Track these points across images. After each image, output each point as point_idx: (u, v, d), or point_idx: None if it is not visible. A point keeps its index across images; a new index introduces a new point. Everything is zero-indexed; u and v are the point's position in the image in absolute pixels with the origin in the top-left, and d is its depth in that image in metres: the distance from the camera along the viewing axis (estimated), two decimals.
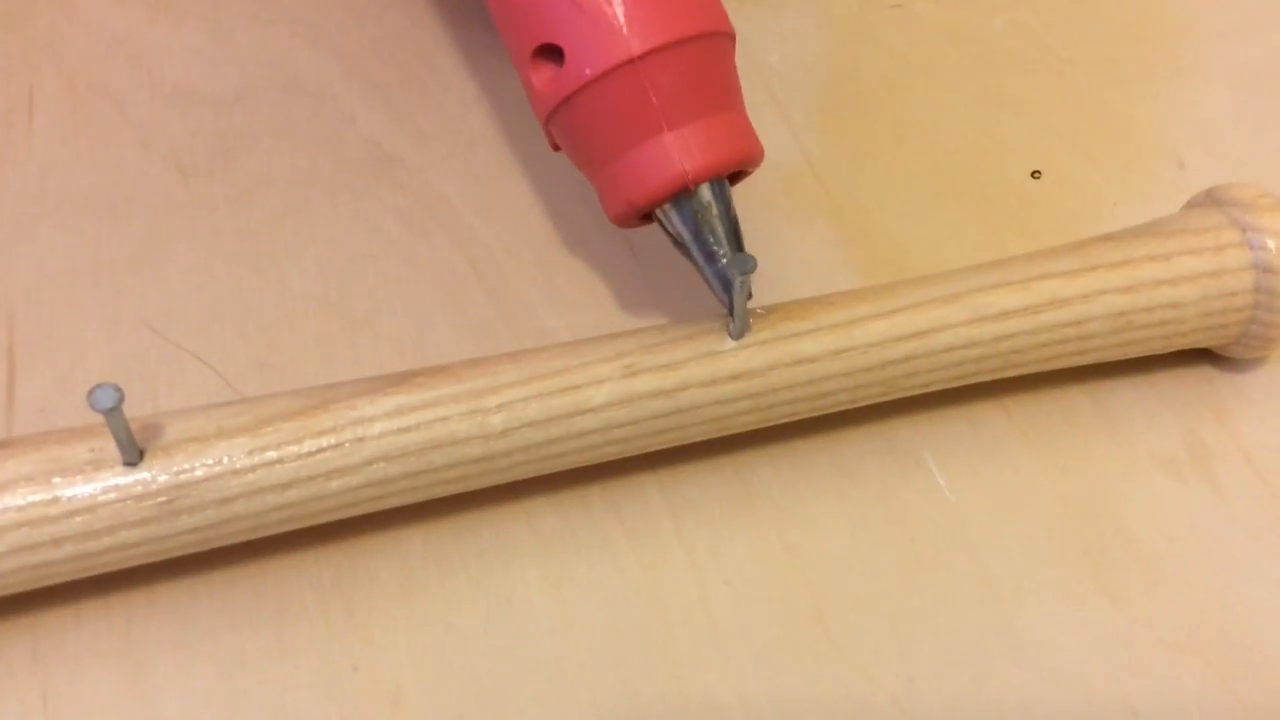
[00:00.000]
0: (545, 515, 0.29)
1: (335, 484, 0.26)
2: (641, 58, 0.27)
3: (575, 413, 0.27)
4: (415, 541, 0.29)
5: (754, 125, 0.29)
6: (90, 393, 0.23)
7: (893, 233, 0.35)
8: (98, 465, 0.25)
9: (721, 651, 0.27)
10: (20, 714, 0.25)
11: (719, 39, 0.29)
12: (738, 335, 0.27)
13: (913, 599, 0.28)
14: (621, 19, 0.27)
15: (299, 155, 0.37)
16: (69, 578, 0.25)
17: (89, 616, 0.27)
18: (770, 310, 0.28)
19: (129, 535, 0.25)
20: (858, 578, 0.28)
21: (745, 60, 0.40)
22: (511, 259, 0.34)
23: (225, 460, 0.25)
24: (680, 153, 0.28)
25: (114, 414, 0.24)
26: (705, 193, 0.28)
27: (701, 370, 0.27)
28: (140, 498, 0.25)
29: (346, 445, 0.26)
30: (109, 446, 0.25)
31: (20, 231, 0.34)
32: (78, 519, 0.25)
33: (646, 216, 0.29)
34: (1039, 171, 0.37)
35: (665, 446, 0.28)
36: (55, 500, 0.25)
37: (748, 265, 0.26)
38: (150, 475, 0.25)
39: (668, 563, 0.28)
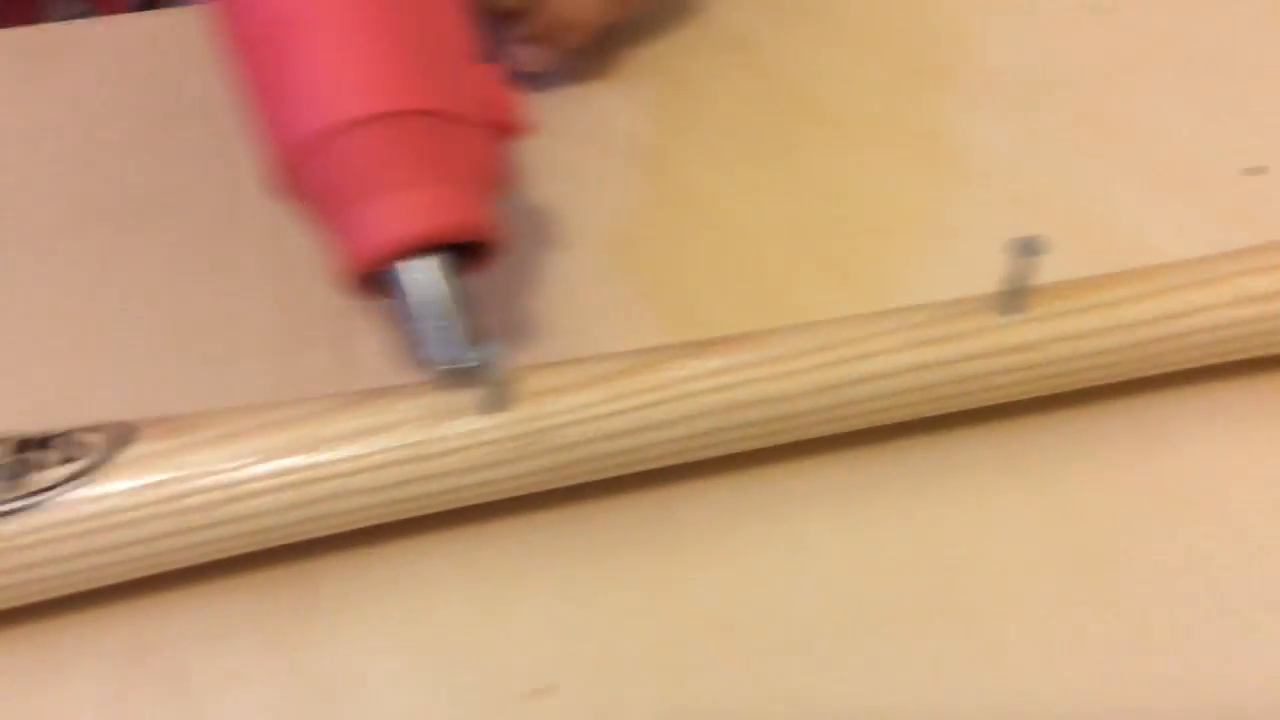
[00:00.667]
0: (829, 471, 0.32)
1: (666, 434, 0.30)
2: (313, 138, 0.28)
3: (866, 379, 0.30)
4: (719, 490, 0.32)
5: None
6: (475, 344, 0.27)
7: (1115, 221, 0.38)
8: (463, 413, 0.29)
9: (1005, 597, 0.30)
10: (393, 626, 0.30)
11: (401, 117, 0.28)
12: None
13: (1182, 551, 0.30)
14: (298, 104, 0.28)
15: (565, 147, 0.41)
16: (442, 508, 0.30)
17: (436, 546, 0.31)
18: (1043, 289, 0.31)
19: (493, 474, 0.29)
20: (1121, 536, 0.31)
21: (965, 60, 0.43)
22: (766, 241, 0.38)
23: (577, 410, 0.29)
24: (366, 228, 0.28)
25: (493, 366, 0.28)
26: (405, 270, 0.28)
27: (981, 343, 0.30)
28: (501, 442, 0.29)
29: (675, 400, 0.30)
30: (469, 397, 0.29)
31: None
32: (454, 457, 0.29)
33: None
34: (1261, 167, 0.39)
35: (940, 413, 0.32)
36: (425, 442, 0.29)
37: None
38: (510, 422, 0.29)
39: (943, 518, 0.31)
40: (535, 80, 0.42)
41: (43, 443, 0.28)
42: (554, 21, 0.40)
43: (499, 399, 0.29)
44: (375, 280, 0.29)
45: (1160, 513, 0.32)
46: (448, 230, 0.29)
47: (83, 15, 0.46)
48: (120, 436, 0.28)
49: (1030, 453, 0.33)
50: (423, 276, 0.29)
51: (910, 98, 0.43)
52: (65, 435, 0.28)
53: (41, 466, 0.27)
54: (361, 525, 0.29)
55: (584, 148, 0.41)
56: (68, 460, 0.27)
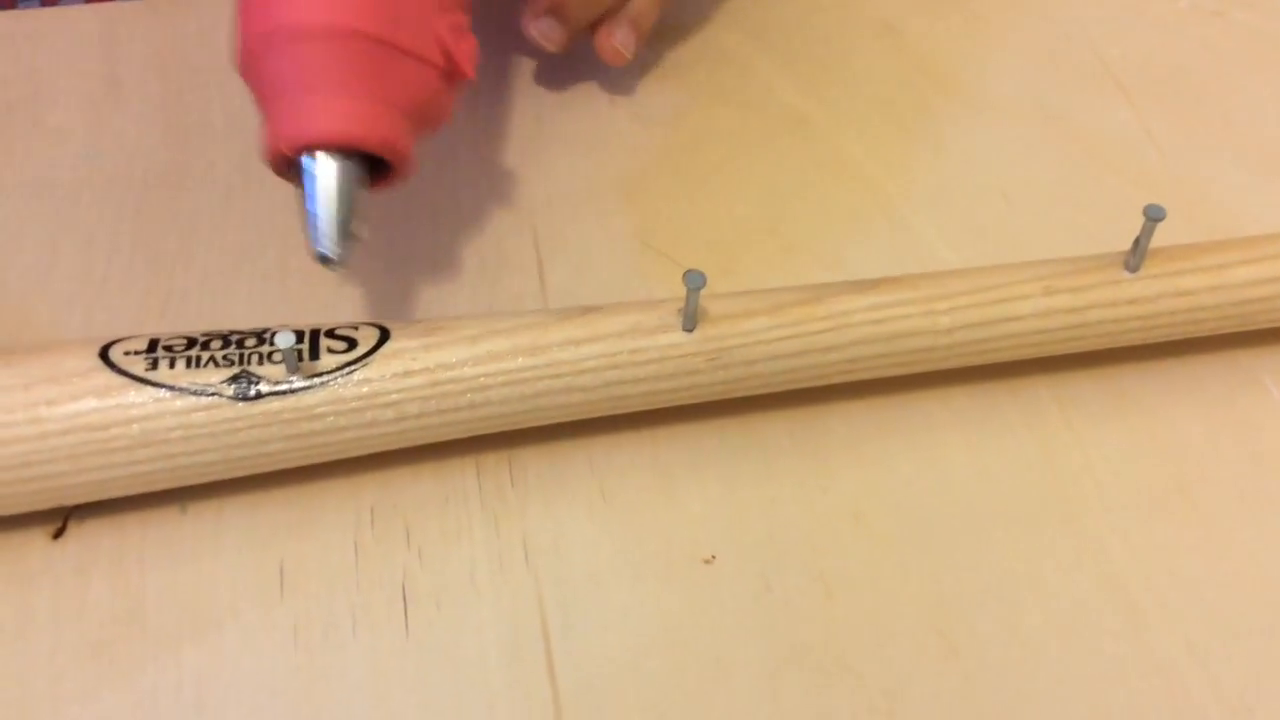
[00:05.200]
0: (958, 399, 0.38)
1: (828, 357, 0.35)
2: (267, 33, 0.33)
3: (1005, 319, 0.35)
4: (860, 409, 0.38)
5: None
6: (686, 274, 0.33)
7: (1226, 201, 0.43)
8: (666, 329, 0.34)
9: (1108, 508, 0.35)
10: (587, 502, 0.36)
11: (345, 34, 0.32)
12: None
13: (1263, 483, 0.36)
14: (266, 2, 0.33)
15: (731, 114, 0.46)
16: (636, 409, 0.35)
17: (625, 442, 0.37)
18: (1160, 251, 0.36)
19: (681, 382, 0.35)
20: (1211, 466, 0.36)
21: (1089, 52, 0.48)
22: (907, 202, 0.43)
23: (757, 332, 0.35)
24: (285, 119, 0.33)
25: (695, 293, 0.33)
26: (309, 162, 0.33)
27: (1105, 294, 0.35)
28: (694, 355, 0.34)
29: (837, 329, 0.35)
30: (670, 317, 0.35)
31: (532, 160, 0.45)
32: (651, 366, 0.34)
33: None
34: None
35: (1067, 352, 0.37)
36: (636, 350, 0.34)
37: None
38: (702, 339, 0.34)
39: (1058, 441, 0.37)
40: (552, 59, 0.46)
41: (321, 336, 0.34)
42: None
43: (693, 319, 0.34)
44: (292, 166, 0.34)
45: (1247, 447, 0.36)
46: (353, 139, 0.33)
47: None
48: (381, 334, 0.34)
49: (1135, 392, 0.38)
50: (324, 173, 0.33)
51: (1040, 83, 0.47)
52: (340, 330, 0.34)
53: (322, 355, 0.33)
54: (571, 419, 0.35)
55: (745, 115, 0.46)
56: (341, 351, 0.34)
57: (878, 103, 0.47)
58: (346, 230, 0.33)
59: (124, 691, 0.32)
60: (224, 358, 0.33)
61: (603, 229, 0.42)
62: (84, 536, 0.34)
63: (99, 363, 0.33)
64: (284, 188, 0.35)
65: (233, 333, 0.34)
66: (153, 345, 0.33)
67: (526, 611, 0.33)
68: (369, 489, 0.35)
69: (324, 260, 0.33)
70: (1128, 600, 0.34)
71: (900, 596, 0.34)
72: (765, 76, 0.47)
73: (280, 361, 0.33)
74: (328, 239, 0.33)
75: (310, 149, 0.33)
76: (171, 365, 0.33)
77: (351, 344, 0.34)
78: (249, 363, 0.33)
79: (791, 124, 0.46)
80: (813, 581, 0.34)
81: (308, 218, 0.33)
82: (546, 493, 0.36)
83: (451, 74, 0.36)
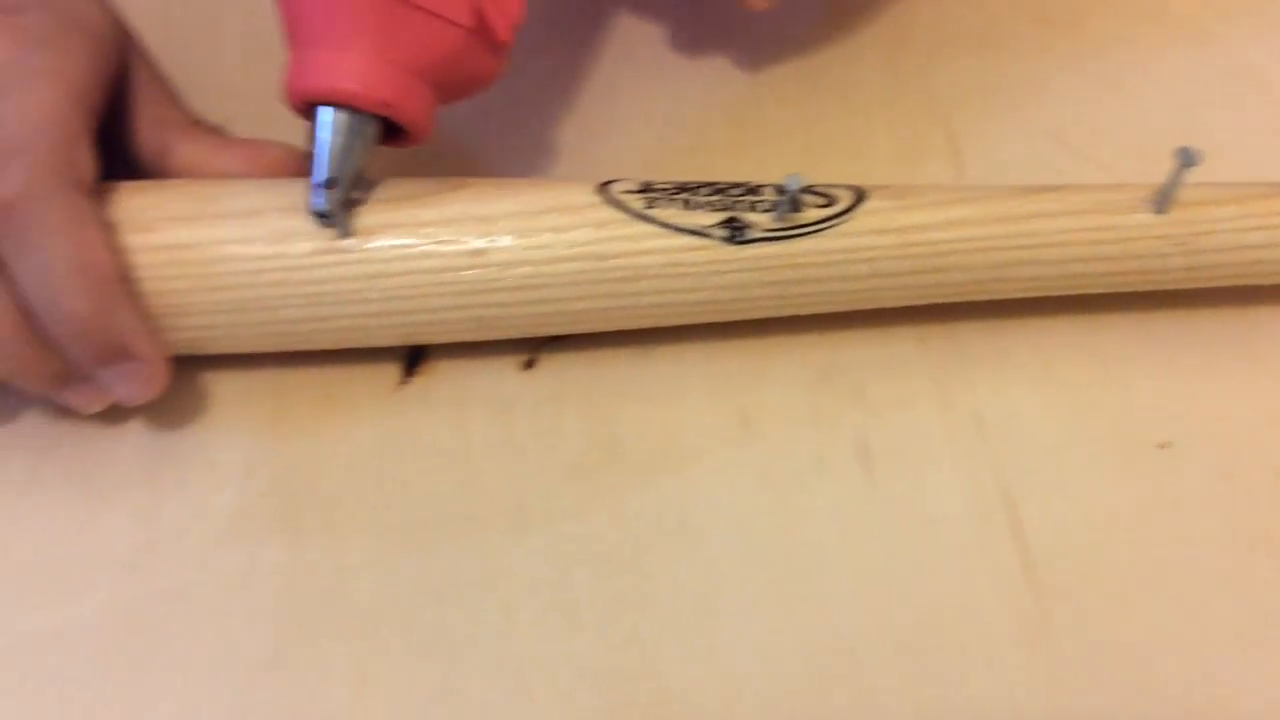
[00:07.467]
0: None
1: None
2: None
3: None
4: (1161, 320, 0.37)
5: None
6: (1179, 150, 0.33)
7: None
8: (1136, 209, 0.34)
9: None
10: (1032, 381, 0.36)
11: None
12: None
13: None
14: None
15: (1130, 21, 0.46)
16: (1087, 290, 0.36)
17: (1065, 325, 0.37)
18: None
19: (1144, 264, 0.35)
20: None
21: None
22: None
23: (1225, 220, 0.34)
24: (294, 68, 0.32)
25: (1184, 170, 0.33)
26: (322, 114, 0.32)
27: None
28: (1164, 238, 0.34)
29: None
30: (1138, 200, 0.35)
31: (939, 55, 0.44)
32: (1118, 245, 0.34)
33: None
34: None
35: None
36: (1107, 228, 0.34)
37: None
38: (1173, 222, 0.34)
39: None
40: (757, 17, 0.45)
41: (801, 193, 0.35)
42: None
43: (1168, 200, 0.34)
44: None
45: None
46: (350, 97, 0.32)
47: None
48: (857, 194, 0.35)
49: None
50: (328, 128, 0.32)
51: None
52: (819, 187, 0.35)
53: (804, 208, 0.34)
54: (1027, 295, 0.36)
55: (1139, 22, 0.46)
56: (821, 205, 0.35)
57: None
58: (343, 186, 0.33)
59: (611, 511, 0.33)
60: (713, 203, 0.34)
61: (1017, 125, 0.42)
62: (554, 370, 0.36)
63: (599, 198, 0.34)
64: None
65: (717, 182, 0.35)
66: (646, 186, 0.35)
67: (986, 478, 0.34)
68: (819, 350, 0.37)
69: (316, 213, 0.33)
70: None
71: None
72: None
73: (767, 210, 0.34)
74: (320, 192, 0.33)
75: (315, 102, 0.33)
76: (667, 205, 0.34)
77: (830, 200, 0.35)
78: (737, 209, 0.34)
79: (1177, 25, 0.45)
80: (1275, 474, 0.34)
81: (313, 170, 0.33)
82: (992, 368, 0.36)
83: (484, 34, 0.34)
